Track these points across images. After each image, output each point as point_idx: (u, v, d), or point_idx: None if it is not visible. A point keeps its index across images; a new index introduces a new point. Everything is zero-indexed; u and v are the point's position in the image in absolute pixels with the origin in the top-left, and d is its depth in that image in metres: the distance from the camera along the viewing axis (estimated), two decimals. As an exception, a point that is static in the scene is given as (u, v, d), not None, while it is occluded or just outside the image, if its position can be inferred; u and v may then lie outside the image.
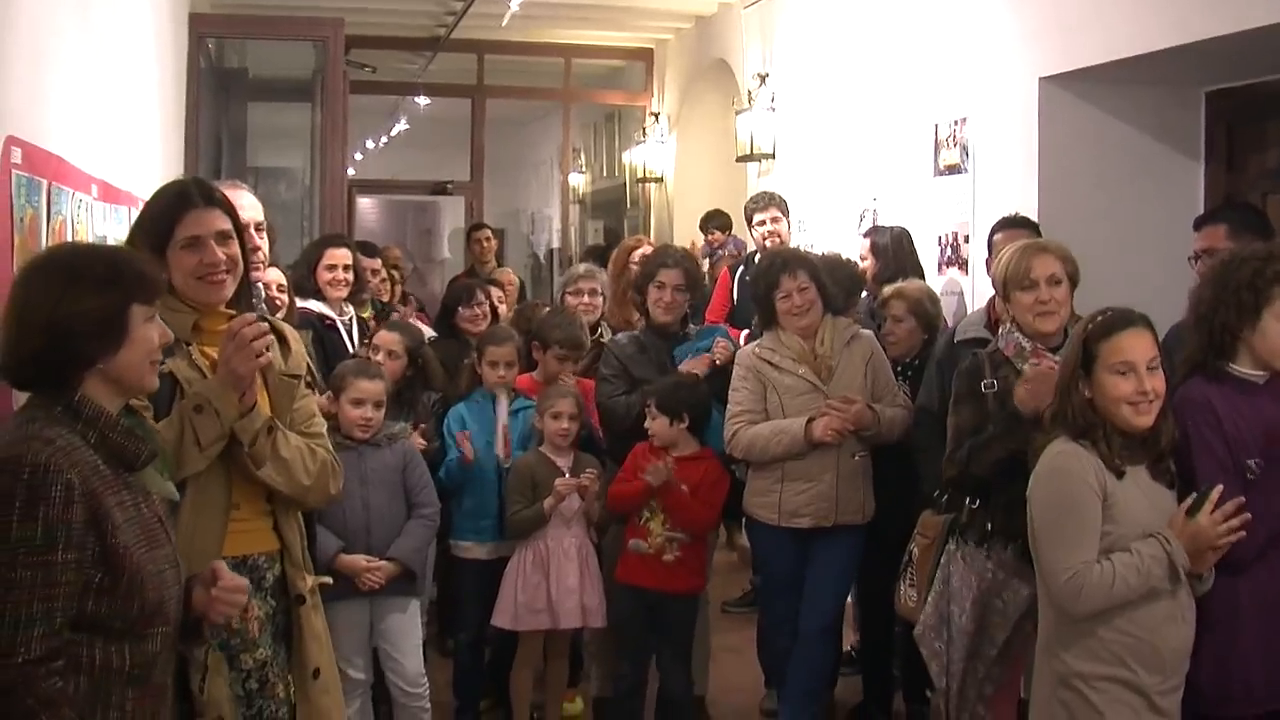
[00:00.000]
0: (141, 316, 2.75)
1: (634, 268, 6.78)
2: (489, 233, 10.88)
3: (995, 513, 4.39)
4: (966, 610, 4.47)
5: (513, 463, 5.77)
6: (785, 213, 7.70)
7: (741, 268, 7.73)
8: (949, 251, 7.17)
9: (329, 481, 3.56)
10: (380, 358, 5.87)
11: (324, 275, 6.56)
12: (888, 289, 6.20)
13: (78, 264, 2.72)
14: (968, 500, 4.54)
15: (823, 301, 5.55)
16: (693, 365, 5.83)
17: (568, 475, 5.69)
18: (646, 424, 5.62)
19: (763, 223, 7.68)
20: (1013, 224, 5.74)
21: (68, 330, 2.65)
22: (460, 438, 5.73)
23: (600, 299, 6.74)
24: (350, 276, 6.64)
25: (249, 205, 4.08)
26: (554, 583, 5.62)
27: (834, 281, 5.74)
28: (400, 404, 5.76)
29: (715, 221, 10.66)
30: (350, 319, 6.71)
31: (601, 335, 6.62)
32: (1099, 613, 3.61)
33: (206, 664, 3.08)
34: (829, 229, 7.53)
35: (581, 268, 7.15)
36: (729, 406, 5.57)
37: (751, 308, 6.55)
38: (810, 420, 5.33)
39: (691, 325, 6.17)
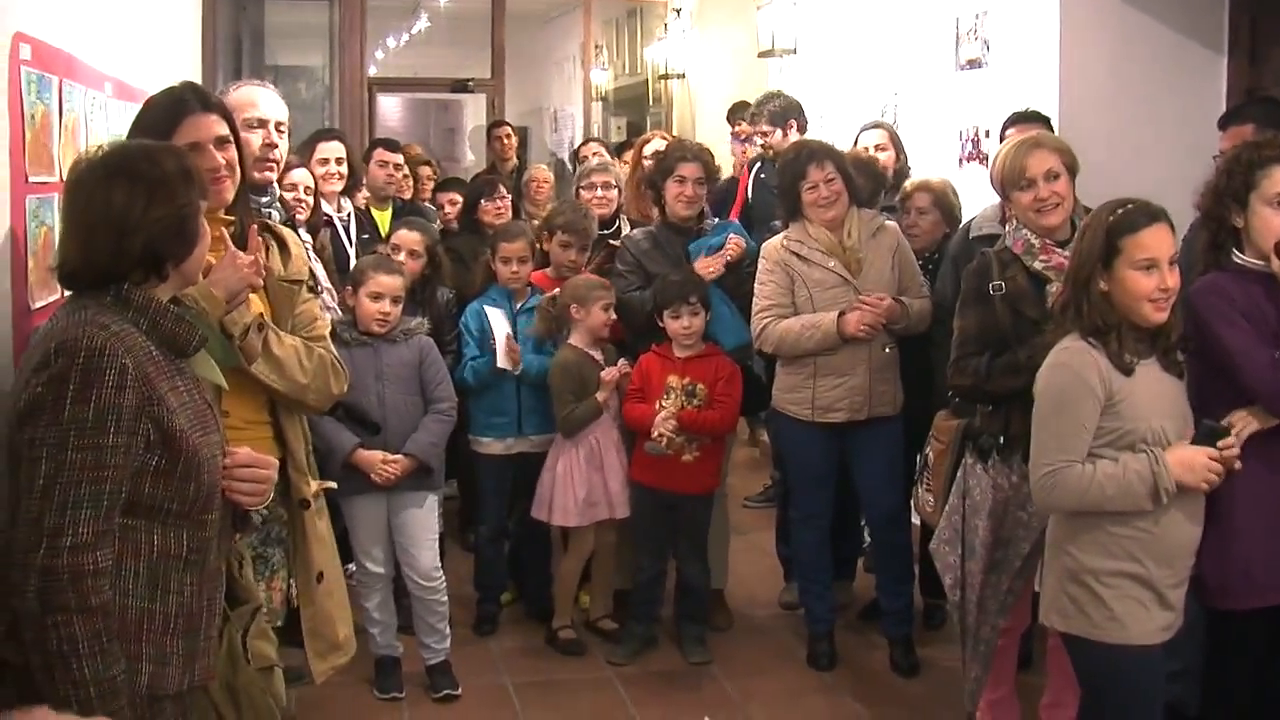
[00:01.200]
0: (203, 213, 2.79)
1: (647, 162, 6.71)
2: (509, 129, 10.67)
3: (1012, 417, 4.28)
4: (984, 522, 4.39)
5: (554, 362, 5.76)
6: (790, 123, 7.32)
7: (759, 165, 7.60)
8: (969, 146, 7.06)
9: (329, 380, 3.53)
10: (402, 257, 5.83)
11: (316, 170, 6.32)
12: (910, 182, 6.12)
13: (153, 168, 2.69)
14: (980, 406, 4.48)
15: (849, 193, 5.46)
16: (706, 265, 5.75)
17: (608, 367, 5.76)
18: (669, 324, 5.61)
19: (766, 135, 7.42)
20: (1024, 119, 5.62)
21: (157, 235, 2.66)
22: (508, 344, 5.73)
23: (615, 192, 6.65)
24: (344, 170, 6.55)
25: (270, 102, 4.00)
26: (609, 474, 5.72)
27: (858, 174, 5.66)
28: (416, 302, 5.71)
29: (742, 113, 10.35)
30: (348, 215, 6.67)
31: (619, 229, 6.57)
32: (1068, 512, 3.62)
33: (243, 553, 3.10)
34: (850, 125, 7.37)
35: (594, 161, 7.11)
36: (755, 300, 5.50)
37: (766, 208, 6.58)
38: (841, 315, 5.27)
39: (707, 220, 6.10)
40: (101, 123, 4.11)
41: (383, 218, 7.36)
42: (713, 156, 6.10)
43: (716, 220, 6.22)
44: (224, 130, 3.36)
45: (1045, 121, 5.62)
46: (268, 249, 3.40)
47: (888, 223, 5.61)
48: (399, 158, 7.80)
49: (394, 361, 5.21)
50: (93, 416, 2.50)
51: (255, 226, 3.38)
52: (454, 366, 5.75)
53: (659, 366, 5.63)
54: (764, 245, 5.59)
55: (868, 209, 5.59)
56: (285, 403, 3.47)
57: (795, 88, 8.26)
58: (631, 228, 6.53)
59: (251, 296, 3.33)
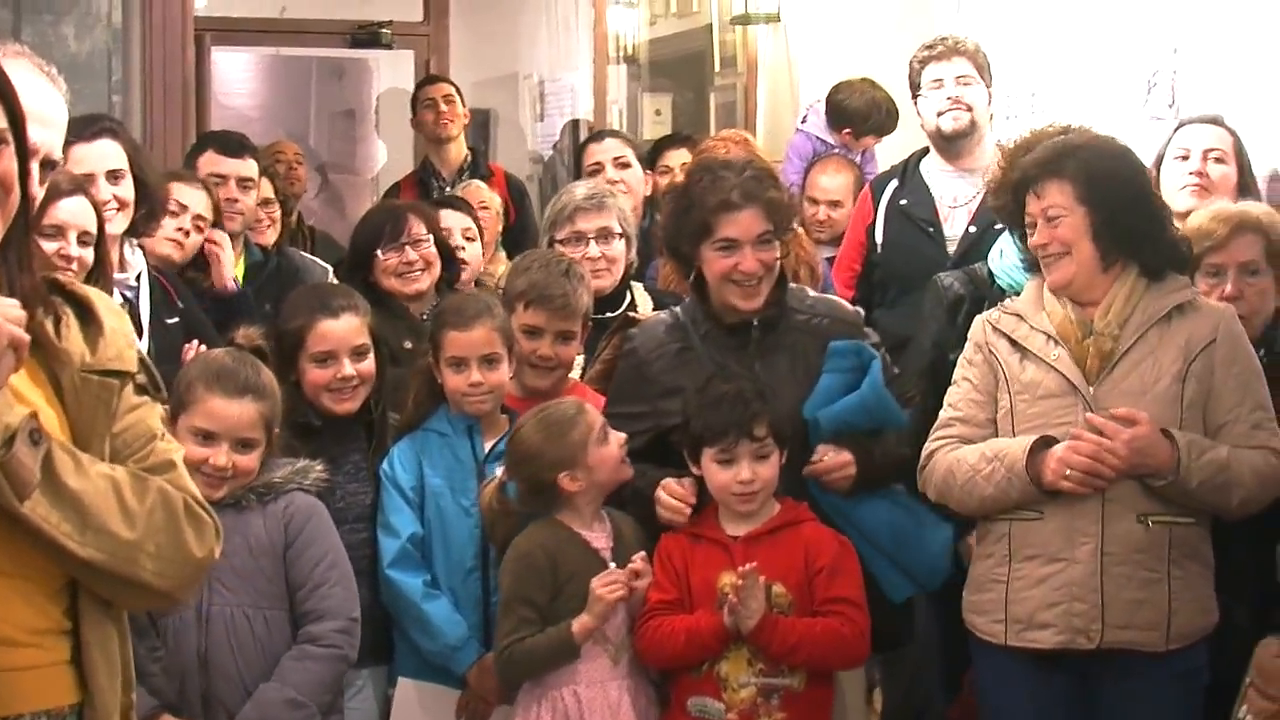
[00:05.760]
0: None
1: None
2: (450, 91, 7.75)
3: None
4: None
5: (512, 549, 3.95)
6: (985, 73, 5.33)
7: (894, 184, 5.41)
8: None
9: (182, 537, 2.71)
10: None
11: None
12: (1208, 213, 4.28)
13: None
14: None
15: (1107, 241, 3.75)
16: (830, 464, 3.87)
17: (611, 563, 3.87)
18: (714, 475, 3.80)
19: (939, 84, 5.29)
20: None
21: None
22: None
23: (621, 245, 4.64)
24: (128, 194, 4.33)
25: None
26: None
27: None
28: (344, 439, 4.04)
29: (850, 98, 6.54)
30: (139, 276, 4.43)
31: (634, 302, 4.65)
32: None
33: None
34: (1092, 105, 5.47)
35: (580, 190, 4.89)
36: (942, 411, 3.97)
37: (908, 267, 5.03)
38: (1046, 443, 3.67)
39: (805, 296, 4.11)
40: None
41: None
42: (781, 186, 4.14)
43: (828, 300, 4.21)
44: None
45: None
46: (56, 320, 2.65)
47: (1205, 301, 3.91)
48: (249, 167, 5.39)
49: (235, 546, 3.64)
50: None
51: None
52: None
53: (699, 556, 3.90)
54: (974, 322, 4.04)
55: (1173, 274, 3.88)
56: (93, 584, 2.65)
57: (984, 36, 5.88)
58: (656, 305, 4.56)
59: (23, 388, 2.59)
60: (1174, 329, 3.79)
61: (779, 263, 3.97)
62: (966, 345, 3.97)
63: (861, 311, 4.25)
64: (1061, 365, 3.77)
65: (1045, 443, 3.69)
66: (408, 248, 4.65)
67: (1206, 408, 3.79)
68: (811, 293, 4.20)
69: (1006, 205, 3.95)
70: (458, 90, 7.71)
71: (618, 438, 3.89)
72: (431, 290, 4.67)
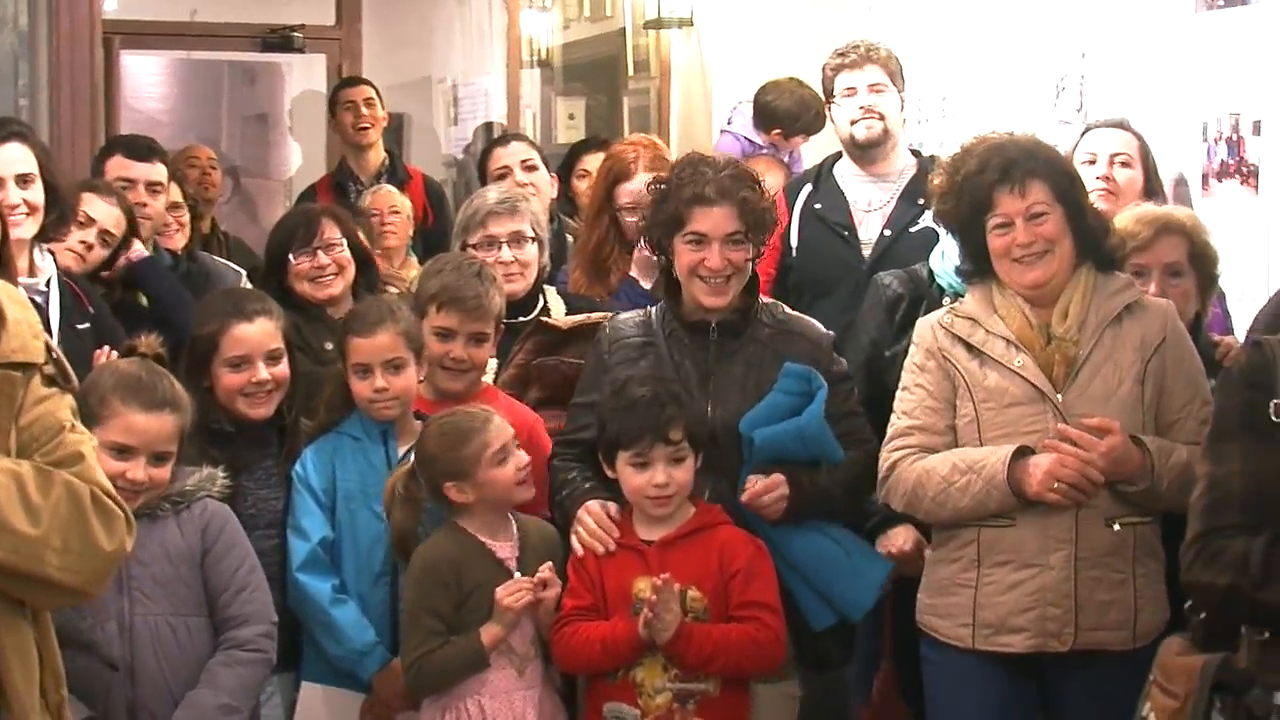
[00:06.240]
0: None
1: (625, 205, 4.76)
2: (370, 93, 7.62)
3: None
4: None
5: (416, 558, 3.86)
6: (898, 79, 5.30)
7: (809, 189, 5.34)
8: (1222, 151, 5.09)
9: (92, 531, 2.67)
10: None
11: None
12: (1134, 214, 4.28)
13: None
14: (1249, 628, 3.08)
15: (1078, 239, 3.77)
16: (759, 493, 3.80)
17: (516, 572, 3.78)
18: (628, 479, 3.75)
19: (851, 92, 5.23)
20: None
21: None
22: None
23: (534, 249, 4.58)
24: (37, 198, 4.28)
25: None
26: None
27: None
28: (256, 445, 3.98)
29: (779, 98, 6.56)
30: (49, 281, 4.35)
31: (546, 307, 4.57)
32: None
33: None
34: (1001, 109, 5.50)
35: (493, 194, 4.81)
36: (893, 418, 3.89)
37: (823, 271, 5.01)
38: (1022, 453, 3.66)
39: (778, 311, 4.08)
40: None
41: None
42: (759, 184, 4.06)
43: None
44: None
45: None
46: None
47: (1155, 300, 3.92)
48: (157, 171, 5.28)
49: (152, 555, 3.65)
50: None
51: None
52: None
53: (614, 561, 3.82)
54: (916, 326, 3.98)
55: (1112, 270, 3.91)
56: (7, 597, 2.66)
57: (896, 40, 5.79)
58: (569, 309, 4.54)
59: None
60: (1125, 330, 3.81)
61: (750, 266, 3.92)
62: (914, 351, 3.94)
63: (832, 334, 4.19)
64: (1027, 372, 3.77)
65: (1019, 452, 3.69)
66: (320, 252, 4.57)
67: (1159, 406, 3.81)
68: (788, 310, 4.16)
69: (955, 210, 3.88)
70: (377, 92, 7.61)
71: (518, 460, 3.81)
72: (348, 294, 4.60)
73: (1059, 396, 3.72)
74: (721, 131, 6.70)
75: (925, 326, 3.92)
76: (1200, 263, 4.19)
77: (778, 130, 6.25)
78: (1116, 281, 3.87)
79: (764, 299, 4.08)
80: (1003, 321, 3.79)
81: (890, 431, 3.88)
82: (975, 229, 3.81)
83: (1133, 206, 4.39)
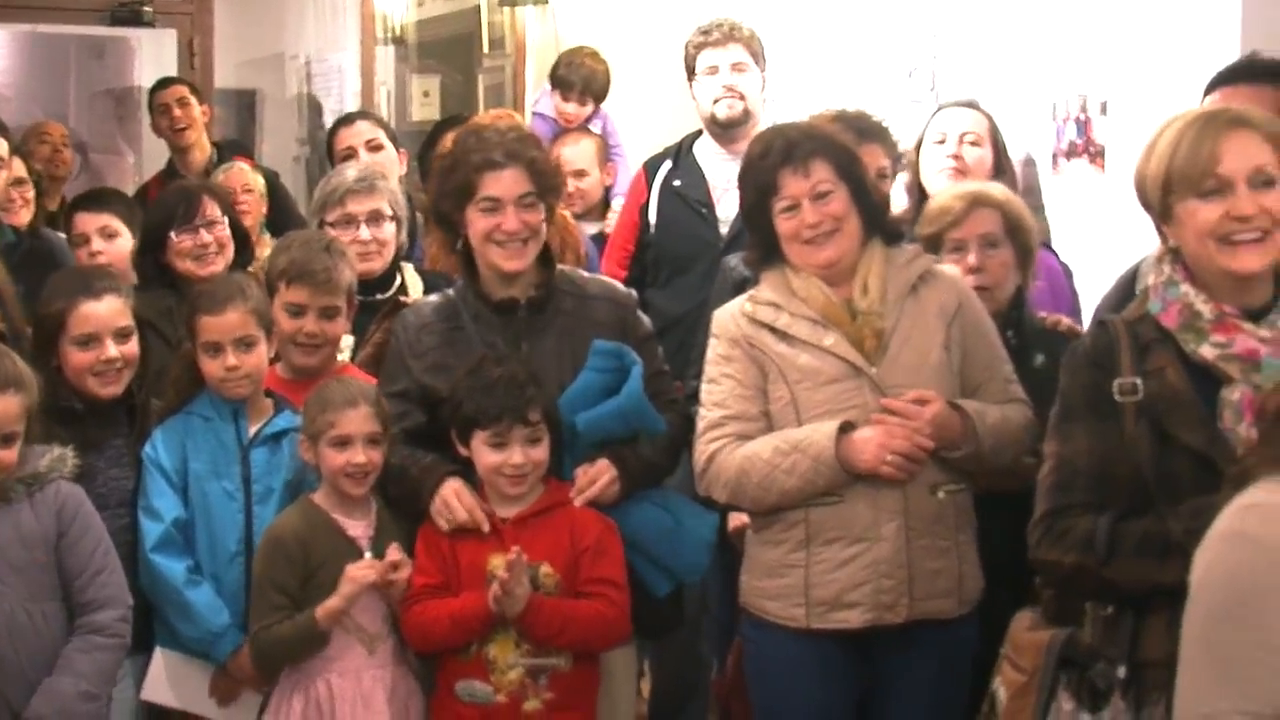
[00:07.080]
0: None
1: None
2: (184, 92, 7.30)
3: (1148, 631, 3.01)
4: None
5: (266, 533, 3.81)
6: (760, 59, 5.31)
7: (668, 165, 5.32)
8: (1072, 131, 5.06)
9: None
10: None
11: None
12: (952, 192, 4.26)
13: None
14: (1093, 605, 3.12)
15: (863, 215, 3.73)
16: (592, 476, 3.81)
17: (367, 552, 3.71)
18: (483, 458, 3.70)
19: (713, 70, 5.22)
20: (1246, 76, 3.72)
21: None
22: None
23: (390, 230, 4.52)
24: None
25: None
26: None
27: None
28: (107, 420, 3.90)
29: (576, 69, 6.45)
30: None
31: (403, 286, 4.51)
32: None
33: None
34: (854, 89, 5.42)
35: (351, 172, 4.75)
36: (701, 410, 3.80)
37: (681, 248, 5.04)
38: (845, 428, 3.61)
39: (576, 277, 4.06)
40: None
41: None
42: (545, 152, 4.07)
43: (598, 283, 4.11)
44: None
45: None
46: None
47: (942, 268, 3.88)
48: None
49: (6, 539, 3.57)
50: None
51: None
52: None
53: (468, 538, 3.75)
54: (715, 316, 3.87)
55: (901, 244, 3.89)
56: None
57: (757, 22, 5.80)
58: (427, 286, 4.45)
59: None
60: (922, 299, 3.82)
61: (544, 229, 3.88)
62: (715, 343, 3.90)
63: (634, 294, 4.17)
64: (839, 349, 3.74)
65: (843, 428, 3.66)
66: (202, 230, 4.50)
67: (964, 370, 3.82)
68: (584, 274, 4.11)
69: (742, 198, 3.90)
70: (193, 89, 7.44)
71: (349, 456, 3.75)
72: (226, 272, 4.51)
73: (873, 370, 3.72)
74: (533, 115, 6.68)
75: (725, 316, 3.89)
76: (1016, 234, 4.20)
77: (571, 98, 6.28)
78: (905, 253, 3.88)
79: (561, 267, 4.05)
80: (804, 303, 3.77)
81: (702, 425, 3.82)
82: (761, 214, 3.80)
83: (951, 186, 4.43)
